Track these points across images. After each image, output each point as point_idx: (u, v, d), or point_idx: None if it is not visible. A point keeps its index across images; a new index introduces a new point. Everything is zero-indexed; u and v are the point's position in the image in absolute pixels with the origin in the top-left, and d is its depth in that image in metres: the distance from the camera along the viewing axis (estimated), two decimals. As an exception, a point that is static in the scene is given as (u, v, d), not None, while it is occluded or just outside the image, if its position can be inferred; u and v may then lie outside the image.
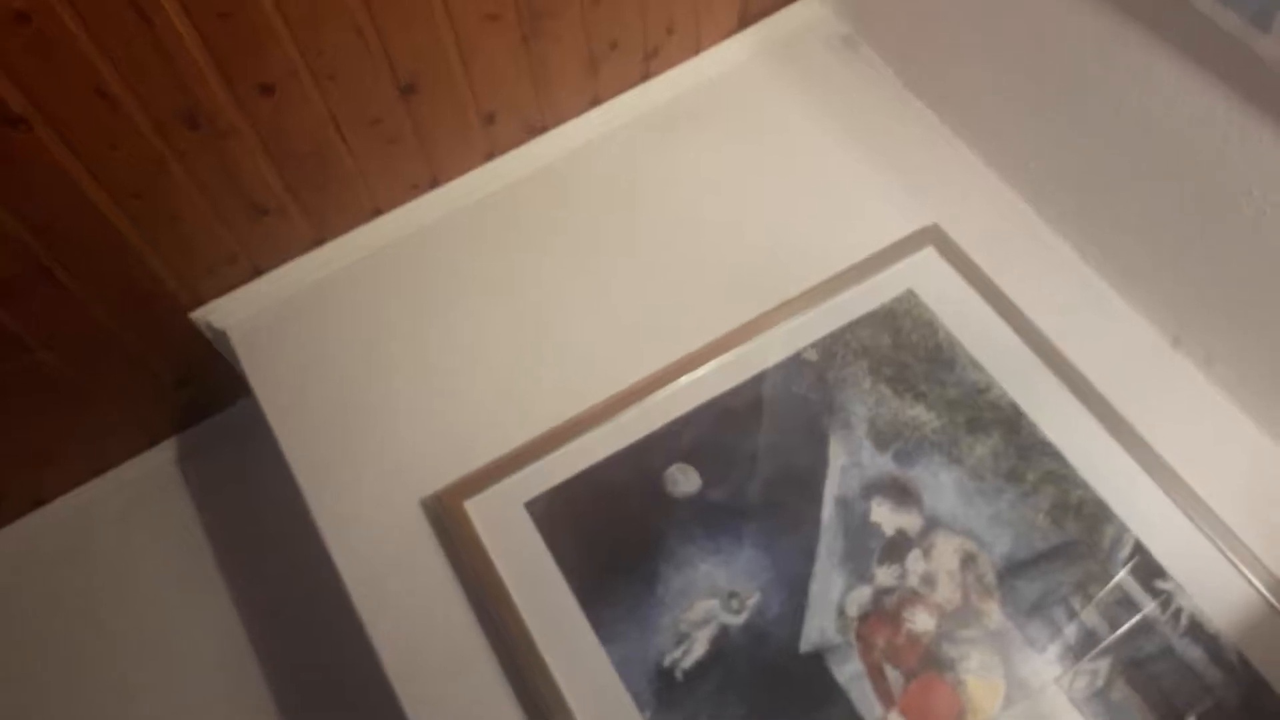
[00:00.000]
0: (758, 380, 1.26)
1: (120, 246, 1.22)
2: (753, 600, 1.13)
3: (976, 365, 1.24)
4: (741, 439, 1.22)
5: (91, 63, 1.01)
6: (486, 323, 1.34)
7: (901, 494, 1.18)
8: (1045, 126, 1.25)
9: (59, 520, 1.54)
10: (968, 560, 1.14)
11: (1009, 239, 1.33)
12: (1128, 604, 1.11)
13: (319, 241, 1.39)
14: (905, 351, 1.26)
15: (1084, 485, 1.16)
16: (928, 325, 1.27)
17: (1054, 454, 1.18)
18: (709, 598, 1.14)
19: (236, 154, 1.19)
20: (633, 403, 1.24)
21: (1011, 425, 1.20)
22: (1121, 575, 1.12)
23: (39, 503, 1.53)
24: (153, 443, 1.57)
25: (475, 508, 1.19)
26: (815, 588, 1.14)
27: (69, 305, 1.25)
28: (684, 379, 1.25)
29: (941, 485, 1.18)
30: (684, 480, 1.20)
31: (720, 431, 1.23)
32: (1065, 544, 1.14)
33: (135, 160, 1.13)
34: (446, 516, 1.19)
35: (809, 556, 1.15)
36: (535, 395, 1.28)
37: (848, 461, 1.20)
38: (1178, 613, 1.10)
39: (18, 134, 1.03)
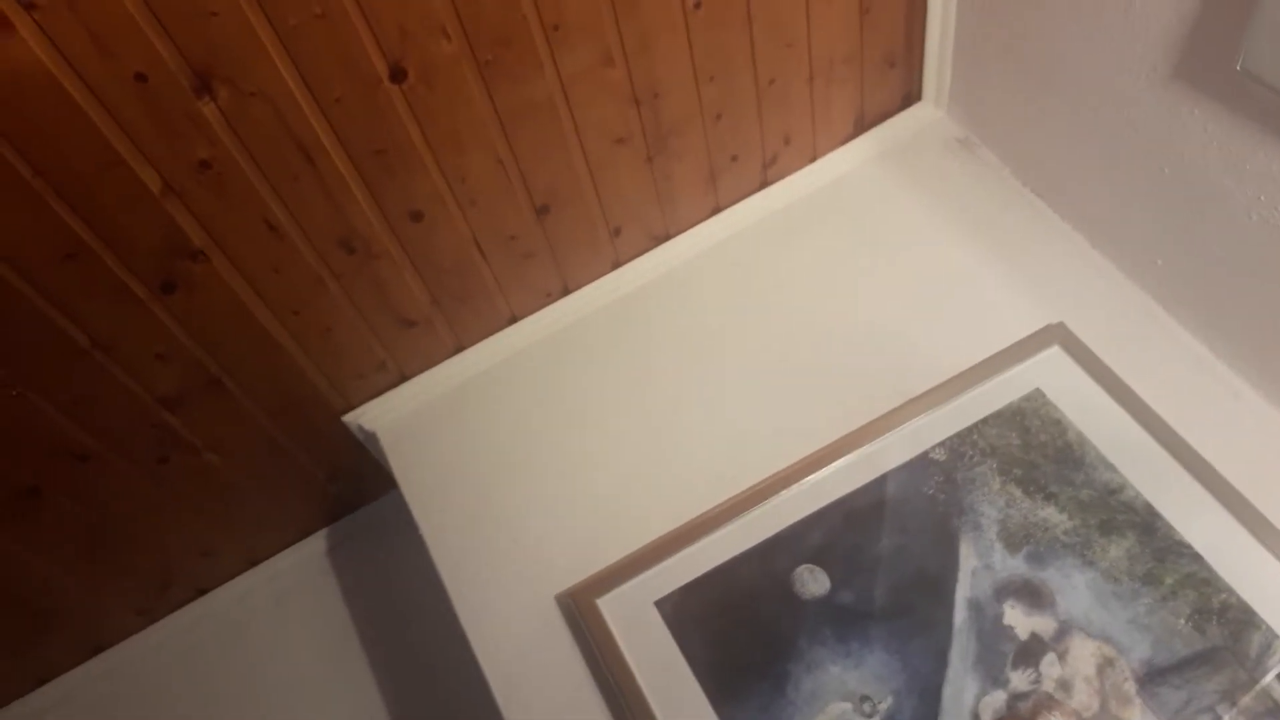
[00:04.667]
0: (884, 480, 1.26)
1: (280, 357, 1.32)
2: (885, 704, 1.13)
3: (1108, 465, 1.23)
4: (870, 540, 1.23)
5: (262, 199, 1.12)
6: (615, 423, 1.39)
7: (1035, 597, 1.17)
8: (1171, 223, 1.25)
9: (219, 608, 1.64)
10: (1105, 665, 1.12)
11: (1136, 336, 1.32)
12: (1279, 713, 1.07)
13: (459, 348, 1.47)
14: (1034, 451, 1.26)
15: (1227, 589, 1.13)
16: (1056, 424, 1.27)
17: (1193, 556, 1.16)
18: (841, 700, 1.14)
19: (387, 273, 1.29)
20: (758, 503, 1.26)
21: (1146, 526, 1.18)
22: (1270, 682, 1.09)
23: (201, 591, 1.63)
24: (304, 535, 1.67)
25: (607, 605, 1.23)
26: (948, 692, 1.13)
27: (234, 411, 1.36)
28: (809, 479, 1.27)
29: (1075, 588, 1.16)
30: (813, 581, 1.22)
31: (848, 532, 1.24)
32: (1209, 650, 1.11)
33: (296, 281, 1.24)
34: (580, 613, 1.23)
35: (941, 660, 1.15)
36: (663, 494, 1.31)
37: (979, 564, 1.19)
38: (1335, 725, 1.06)
39: (197, 265, 1.15)
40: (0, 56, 0.90)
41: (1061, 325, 1.32)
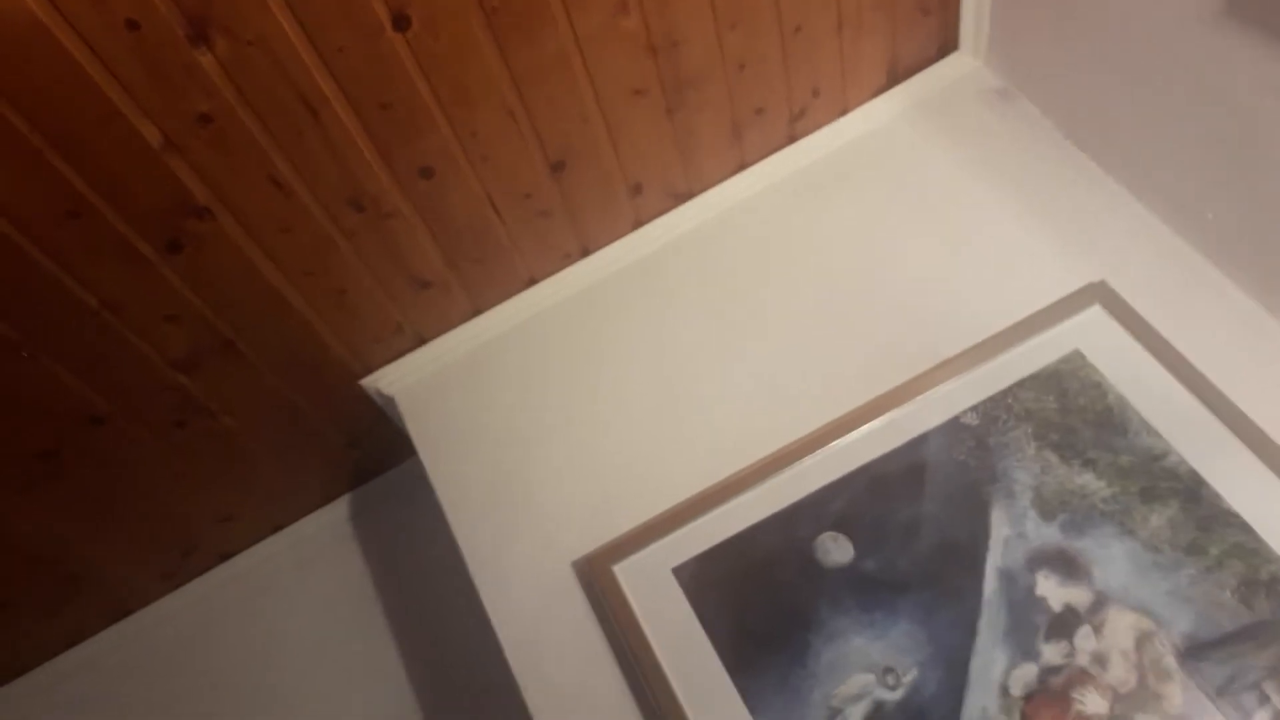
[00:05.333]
0: (914, 445, 1.22)
1: (293, 319, 1.30)
2: (910, 676, 1.09)
3: (1151, 430, 1.17)
4: (897, 507, 1.18)
5: (266, 155, 1.10)
6: (636, 386, 1.36)
7: (1069, 566, 1.11)
8: (1222, 174, 1.18)
9: (243, 572, 1.64)
10: (1144, 639, 1.07)
11: (1184, 294, 1.25)
12: (1330, 692, 1.01)
13: (477, 311, 1.45)
14: (1072, 415, 1.20)
15: (1277, 560, 1.07)
16: (1096, 387, 1.20)
17: (1241, 526, 1.09)
18: (863, 672, 1.10)
19: (399, 232, 1.26)
20: (782, 468, 1.23)
21: (1191, 494, 1.12)
22: (1323, 659, 1.03)
23: (225, 556, 1.64)
24: (327, 501, 1.66)
25: (624, 571, 1.20)
26: (976, 664, 1.09)
27: (249, 374, 1.35)
28: (835, 443, 1.23)
29: (1113, 558, 1.11)
30: (836, 549, 1.17)
31: (874, 499, 1.19)
32: (1256, 624, 1.05)
33: (306, 241, 1.21)
34: (596, 579, 1.20)
35: (969, 631, 1.10)
36: (683, 458, 1.28)
37: (1011, 532, 1.14)
38: (1391, 704, 0.99)
39: (202, 223, 1.13)
40: (-10, 7, 0.88)
41: (1103, 284, 1.25)
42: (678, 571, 1.20)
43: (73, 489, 1.36)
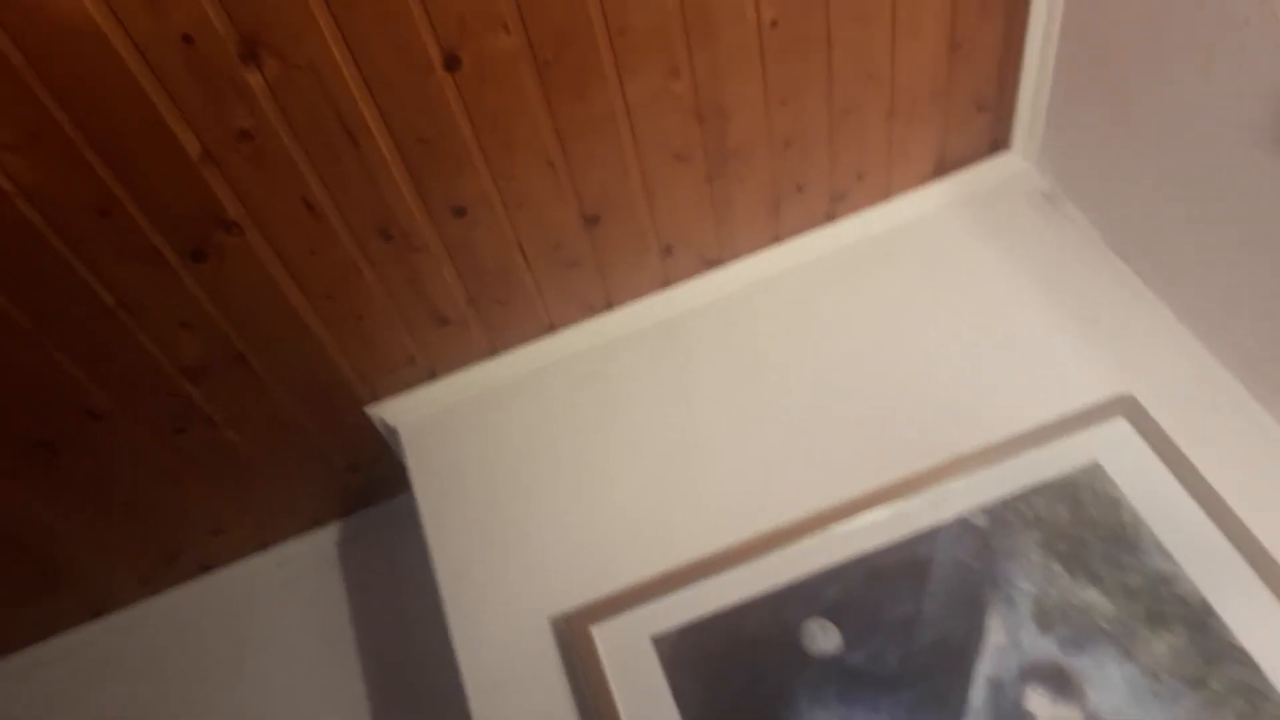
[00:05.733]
0: (917, 541, 1.19)
1: (309, 341, 1.30)
2: (886, 780, 1.06)
3: (1164, 552, 1.13)
4: (891, 601, 1.15)
5: (302, 176, 1.10)
6: (642, 447, 1.34)
7: (1063, 683, 1.08)
8: (1269, 301, 1.15)
9: (223, 587, 1.62)
10: (1135, 771, 1.03)
11: (1214, 417, 1.22)
12: None
13: (493, 352, 1.44)
14: (1084, 528, 1.17)
15: (1281, 704, 1.04)
16: (1112, 502, 1.18)
17: (1247, 663, 1.06)
18: (839, 770, 1.07)
19: (425, 267, 1.26)
20: (778, 546, 1.20)
21: (1199, 624, 1.09)
22: (1320, 817, 0.98)
23: (207, 568, 1.62)
24: (317, 524, 1.64)
25: (602, 634, 1.18)
26: (957, 776, 1.05)
27: (256, 389, 1.34)
28: (836, 528, 1.20)
29: (1110, 679, 1.07)
30: (823, 637, 1.14)
31: (869, 590, 1.16)
32: (1254, 769, 1.01)
33: (331, 265, 1.21)
34: (573, 639, 1.18)
35: (953, 740, 1.07)
36: (679, 525, 1.26)
37: (1006, 640, 1.11)
38: None
39: (230, 237, 1.13)
40: (48, 6, 0.89)
41: (1131, 398, 1.23)
42: (658, 641, 1.17)
43: (63, 481, 1.35)
